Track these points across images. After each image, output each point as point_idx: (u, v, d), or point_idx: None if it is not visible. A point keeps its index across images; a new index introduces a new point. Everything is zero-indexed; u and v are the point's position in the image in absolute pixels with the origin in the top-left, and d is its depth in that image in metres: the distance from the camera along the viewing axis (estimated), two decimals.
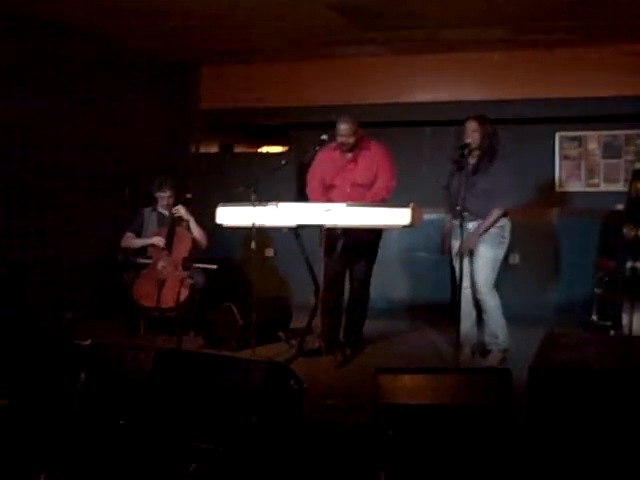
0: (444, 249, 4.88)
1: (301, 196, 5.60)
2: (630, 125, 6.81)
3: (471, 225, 4.63)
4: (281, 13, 5.52)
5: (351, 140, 4.81)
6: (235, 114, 7.51)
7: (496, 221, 4.62)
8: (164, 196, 5.65)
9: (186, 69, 7.48)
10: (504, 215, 4.67)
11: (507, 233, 4.69)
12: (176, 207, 5.61)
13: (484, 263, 4.64)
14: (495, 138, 4.65)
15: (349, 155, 4.91)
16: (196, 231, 5.63)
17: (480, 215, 4.62)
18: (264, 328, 5.04)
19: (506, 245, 4.70)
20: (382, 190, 4.88)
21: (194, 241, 5.61)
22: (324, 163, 4.99)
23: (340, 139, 4.82)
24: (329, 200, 4.89)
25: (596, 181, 7.04)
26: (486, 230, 4.61)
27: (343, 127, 4.80)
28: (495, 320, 4.71)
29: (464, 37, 6.14)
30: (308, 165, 5.18)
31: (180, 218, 5.61)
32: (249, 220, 4.65)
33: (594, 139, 7.03)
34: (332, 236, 4.66)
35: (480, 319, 4.84)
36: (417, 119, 7.04)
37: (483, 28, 5.89)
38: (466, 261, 4.59)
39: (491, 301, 4.69)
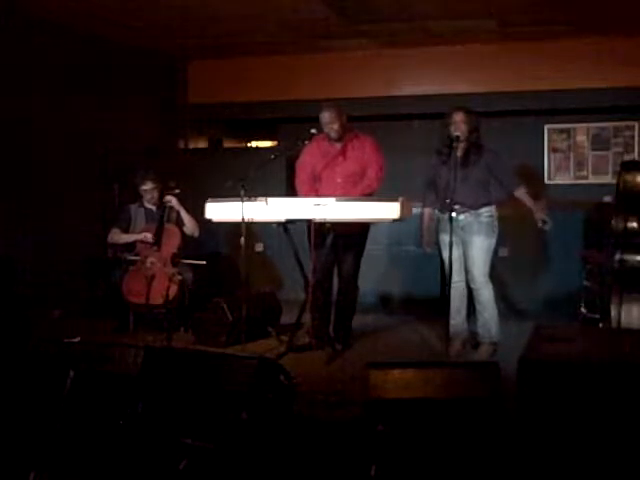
0: (424, 242, 4.89)
1: (290, 190, 5.59)
2: (618, 117, 6.83)
3: (462, 217, 4.64)
4: (268, 7, 5.50)
5: (336, 126, 4.80)
6: (223, 109, 7.49)
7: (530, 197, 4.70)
8: (147, 189, 5.63)
9: (174, 64, 7.44)
10: (491, 204, 4.70)
11: (497, 222, 4.72)
12: (167, 197, 5.59)
13: (479, 254, 4.65)
14: (479, 130, 4.68)
15: (338, 146, 4.91)
16: (187, 220, 5.61)
17: (473, 206, 4.63)
18: (254, 324, 5.04)
19: (497, 235, 4.72)
20: (373, 181, 4.90)
21: (185, 234, 5.60)
22: (313, 155, 4.98)
23: (326, 128, 4.82)
24: (318, 192, 4.89)
25: (585, 173, 7.06)
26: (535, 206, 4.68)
27: (326, 114, 4.80)
28: (489, 312, 4.72)
29: (452, 30, 6.13)
30: (297, 159, 5.17)
31: (171, 208, 5.61)
32: (238, 215, 4.64)
33: (582, 131, 7.05)
34: (321, 230, 4.65)
35: (470, 313, 4.85)
36: (405, 112, 7.04)
37: (471, 21, 5.89)
38: (456, 255, 4.60)
39: (486, 292, 4.70)
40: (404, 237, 6.43)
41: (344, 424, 3.32)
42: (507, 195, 4.76)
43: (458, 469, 2.75)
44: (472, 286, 4.73)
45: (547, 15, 5.68)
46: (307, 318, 4.80)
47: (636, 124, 6.85)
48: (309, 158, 5.02)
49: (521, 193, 4.70)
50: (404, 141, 7.02)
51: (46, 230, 5.77)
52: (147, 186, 5.63)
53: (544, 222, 4.63)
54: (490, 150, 4.72)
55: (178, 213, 5.63)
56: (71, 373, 3.21)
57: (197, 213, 5.21)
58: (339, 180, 4.90)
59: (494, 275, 4.81)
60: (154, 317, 5.30)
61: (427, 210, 4.87)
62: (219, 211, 4.85)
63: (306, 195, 4.89)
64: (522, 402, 2.80)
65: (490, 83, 6.65)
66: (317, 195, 4.84)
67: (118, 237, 5.67)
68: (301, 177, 5.05)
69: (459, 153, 4.63)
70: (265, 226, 5.10)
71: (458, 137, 4.56)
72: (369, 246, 5.09)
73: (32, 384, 3.30)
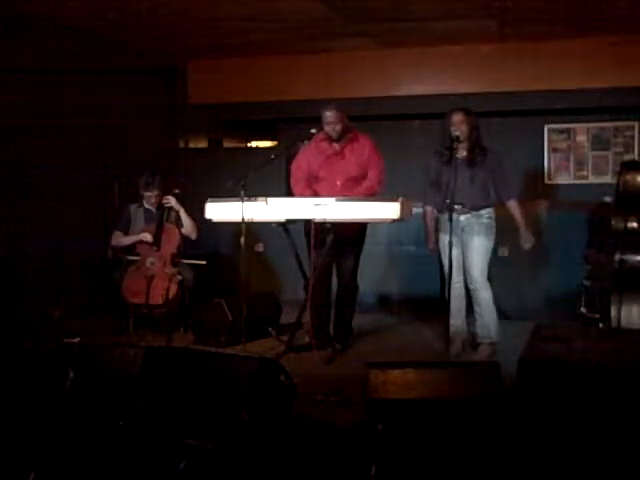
0: (429, 243, 4.88)
1: (290, 190, 5.59)
2: (618, 117, 6.83)
3: (463, 217, 4.63)
4: (268, 7, 5.50)
5: (338, 127, 4.79)
6: (223, 109, 7.48)
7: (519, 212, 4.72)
8: (151, 195, 5.62)
9: (173, 64, 7.44)
10: (491, 206, 4.70)
11: (494, 224, 4.73)
12: (167, 197, 5.59)
13: (479, 254, 4.65)
14: (479, 130, 4.68)
15: (337, 146, 4.90)
16: (187, 221, 5.61)
17: (475, 207, 4.62)
18: (254, 324, 5.03)
19: (494, 236, 4.73)
20: (374, 183, 4.89)
21: (184, 234, 5.60)
22: (310, 154, 4.97)
23: (327, 127, 4.81)
24: (315, 192, 4.89)
25: (585, 173, 7.06)
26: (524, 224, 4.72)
27: (329, 114, 4.78)
28: (488, 312, 4.72)
29: (452, 30, 6.13)
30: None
31: (171, 208, 5.60)
32: (238, 215, 4.63)
33: (583, 131, 7.04)
34: (321, 230, 4.65)
35: (470, 313, 4.85)
36: (405, 112, 7.03)
37: (471, 21, 5.88)
38: (455, 255, 4.60)
39: (485, 293, 4.70)
40: (404, 237, 6.43)
41: (344, 424, 3.32)
42: (499, 201, 4.75)
43: (458, 469, 2.75)
44: (471, 287, 4.73)
45: (547, 15, 5.67)
46: (307, 318, 4.80)
47: (636, 124, 6.85)
48: (305, 157, 5.01)
49: (513, 206, 4.70)
50: (404, 141, 7.02)
51: (46, 231, 5.76)
52: (152, 192, 5.61)
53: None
54: (495, 152, 4.71)
55: (177, 213, 5.63)
56: (71, 373, 3.21)
57: (197, 213, 5.20)
58: (339, 183, 4.90)
59: (494, 275, 4.81)
60: (154, 317, 5.30)
61: (429, 209, 4.87)
62: (219, 211, 4.85)
63: (300, 194, 4.89)
64: (522, 402, 2.80)
65: (490, 83, 6.64)
66: (313, 194, 4.85)
67: (120, 240, 5.67)
68: (296, 176, 5.05)
69: (462, 154, 4.63)
70: (265, 226, 5.10)
71: (458, 137, 4.56)
72: (369, 246, 5.09)
73: (32, 384, 3.30)
